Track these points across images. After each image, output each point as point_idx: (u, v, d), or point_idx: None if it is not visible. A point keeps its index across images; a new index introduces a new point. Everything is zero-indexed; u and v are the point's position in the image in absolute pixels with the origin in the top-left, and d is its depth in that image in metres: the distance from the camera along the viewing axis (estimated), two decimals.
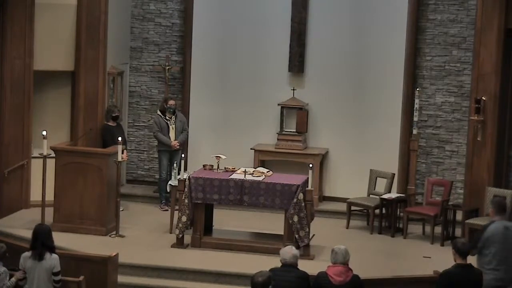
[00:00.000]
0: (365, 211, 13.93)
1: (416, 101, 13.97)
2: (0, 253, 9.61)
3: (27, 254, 9.61)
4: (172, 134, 14.46)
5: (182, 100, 15.41)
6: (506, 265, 9.72)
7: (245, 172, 12.37)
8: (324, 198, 14.96)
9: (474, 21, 13.87)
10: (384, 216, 13.67)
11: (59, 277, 9.60)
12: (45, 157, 12.67)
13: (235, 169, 12.60)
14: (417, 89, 14.12)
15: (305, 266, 9.46)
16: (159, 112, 14.55)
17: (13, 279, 9.51)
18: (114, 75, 14.82)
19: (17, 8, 13.66)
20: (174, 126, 14.48)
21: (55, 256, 9.59)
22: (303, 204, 11.97)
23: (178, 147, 14.39)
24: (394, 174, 14.15)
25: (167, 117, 14.46)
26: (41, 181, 12.77)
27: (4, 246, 9.67)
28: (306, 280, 8.99)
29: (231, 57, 15.30)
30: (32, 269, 9.53)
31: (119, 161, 12.62)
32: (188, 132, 14.76)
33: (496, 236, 9.70)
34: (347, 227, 13.79)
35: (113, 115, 14.18)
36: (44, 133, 12.61)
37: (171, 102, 14.47)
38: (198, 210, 12.29)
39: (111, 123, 14.17)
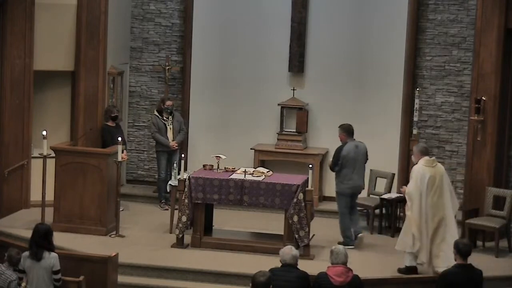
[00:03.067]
0: (365, 211, 13.92)
1: (416, 101, 13.95)
2: (14, 260, 9.62)
3: (26, 253, 9.64)
4: (170, 134, 14.46)
5: (182, 100, 15.40)
6: (358, 175, 12.46)
7: (245, 172, 12.37)
8: (324, 198, 14.95)
9: (474, 21, 13.86)
10: (384, 216, 13.67)
11: (59, 276, 9.62)
12: (45, 157, 12.67)
13: (235, 169, 12.60)
14: (417, 89, 14.11)
15: (305, 266, 9.47)
16: (156, 113, 14.53)
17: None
18: (114, 75, 14.81)
19: (17, 8, 13.65)
20: (171, 126, 14.47)
21: (54, 255, 9.60)
22: (303, 204, 11.97)
23: (176, 147, 14.39)
24: (394, 174, 14.15)
25: (164, 118, 14.45)
26: (41, 181, 12.77)
27: (14, 254, 9.67)
28: (306, 280, 9.00)
29: (231, 57, 15.29)
30: (31, 268, 9.56)
31: (119, 161, 12.62)
32: (185, 132, 14.75)
33: (351, 153, 12.36)
34: None
35: (112, 115, 14.15)
36: (44, 133, 12.60)
37: (169, 102, 14.45)
38: (198, 210, 12.28)
39: (110, 123, 14.16)
